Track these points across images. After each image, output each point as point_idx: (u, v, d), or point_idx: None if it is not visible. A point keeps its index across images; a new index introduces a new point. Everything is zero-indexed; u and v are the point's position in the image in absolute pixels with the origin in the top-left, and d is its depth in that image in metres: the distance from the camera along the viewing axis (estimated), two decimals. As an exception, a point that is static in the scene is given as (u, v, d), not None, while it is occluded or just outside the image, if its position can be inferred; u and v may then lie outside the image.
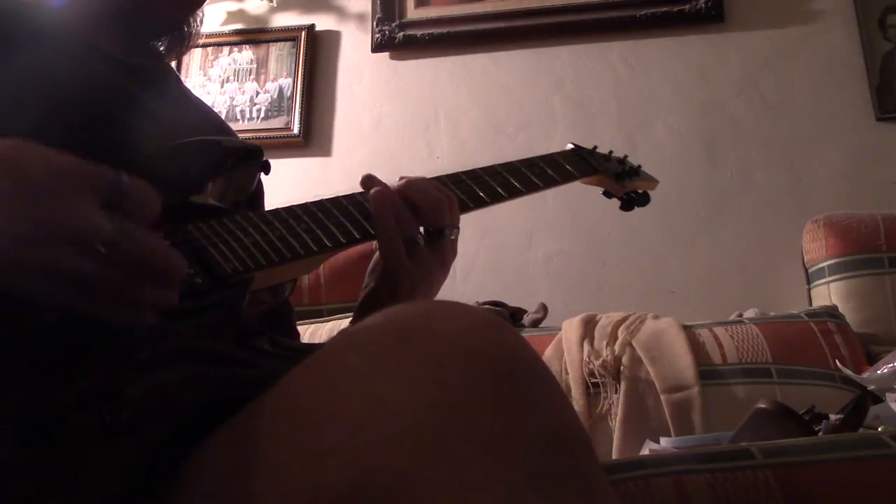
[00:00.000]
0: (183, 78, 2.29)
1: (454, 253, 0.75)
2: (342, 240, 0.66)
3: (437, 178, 0.77)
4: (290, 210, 0.66)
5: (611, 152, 1.01)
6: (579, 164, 0.92)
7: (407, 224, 0.70)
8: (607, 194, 1.00)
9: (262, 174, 0.75)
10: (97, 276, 0.44)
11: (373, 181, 0.71)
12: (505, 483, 0.36)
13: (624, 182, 0.98)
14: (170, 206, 0.53)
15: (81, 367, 0.46)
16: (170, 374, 0.49)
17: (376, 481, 0.37)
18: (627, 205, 1.00)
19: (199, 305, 0.54)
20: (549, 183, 0.86)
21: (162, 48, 0.81)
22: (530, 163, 0.86)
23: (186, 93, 0.85)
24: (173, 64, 2.25)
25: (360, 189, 0.72)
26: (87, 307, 0.44)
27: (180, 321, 0.52)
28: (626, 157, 1.02)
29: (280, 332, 0.71)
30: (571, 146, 0.95)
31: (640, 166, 1.03)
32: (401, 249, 0.69)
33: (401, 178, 0.74)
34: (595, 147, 0.99)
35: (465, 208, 0.77)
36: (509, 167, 0.84)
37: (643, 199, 1.01)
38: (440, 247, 0.72)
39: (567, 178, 0.89)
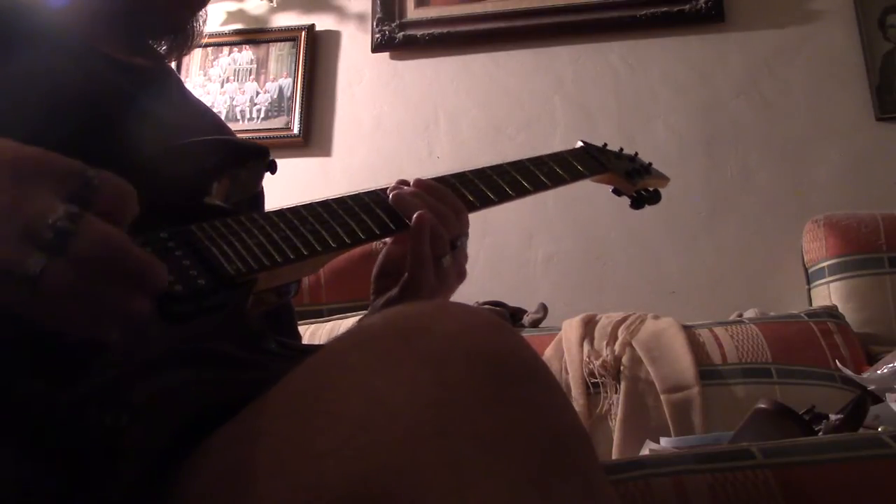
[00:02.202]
0: (183, 78, 2.29)
1: (466, 257, 0.77)
2: (347, 240, 0.65)
3: (444, 178, 0.77)
4: (294, 210, 0.65)
5: (621, 149, 0.99)
6: (589, 162, 0.90)
7: (438, 245, 0.70)
8: (617, 192, 0.98)
9: (269, 174, 0.74)
10: (47, 272, 0.39)
11: (410, 204, 0.70)
12: (506, 483, 0.36)
13: (635, 180, 0.96)
14: (173, 206, 0.53)
15: (82, 368, 0.45)
16: (171, 376, 0.48)
17: (377, 481, 0.37)
18: (638, 203, 0.98)
19: (202, 307, 0.54)
20: (558, 182, 0.84)
21: (164, 48, 0.81)
22: (539, 161, 0.84)
23: (187, 94, 0.85)
24: (173, 64, 2.27)
25: (360, 188, 0.71)
26: (34, 310, 0.40)
27: (183, 323, 0.52)
28: (636, 154, 1.00)
29: (281, 332, 0.70)
30: (581, 144, 0.93)
31: (650, 164, 1.01)
32: (430, 271, 0.70)
33: (415, 182, 0.73)
34: (605, 144, 0.97)
35: (473, 208, 0.76)
36: (517, 166, 0.82)
37: (654, 197, 0.98)
38: (456, 257, 0.74)
39: (577, 176, 0.87)
